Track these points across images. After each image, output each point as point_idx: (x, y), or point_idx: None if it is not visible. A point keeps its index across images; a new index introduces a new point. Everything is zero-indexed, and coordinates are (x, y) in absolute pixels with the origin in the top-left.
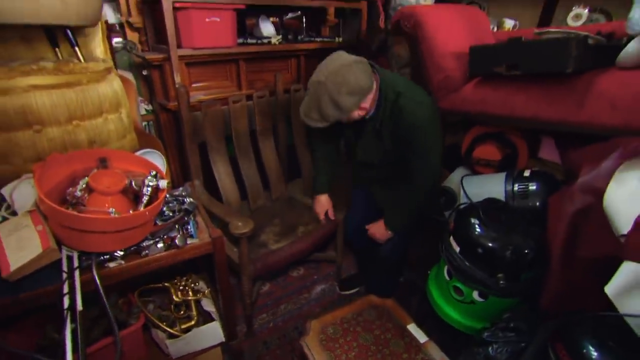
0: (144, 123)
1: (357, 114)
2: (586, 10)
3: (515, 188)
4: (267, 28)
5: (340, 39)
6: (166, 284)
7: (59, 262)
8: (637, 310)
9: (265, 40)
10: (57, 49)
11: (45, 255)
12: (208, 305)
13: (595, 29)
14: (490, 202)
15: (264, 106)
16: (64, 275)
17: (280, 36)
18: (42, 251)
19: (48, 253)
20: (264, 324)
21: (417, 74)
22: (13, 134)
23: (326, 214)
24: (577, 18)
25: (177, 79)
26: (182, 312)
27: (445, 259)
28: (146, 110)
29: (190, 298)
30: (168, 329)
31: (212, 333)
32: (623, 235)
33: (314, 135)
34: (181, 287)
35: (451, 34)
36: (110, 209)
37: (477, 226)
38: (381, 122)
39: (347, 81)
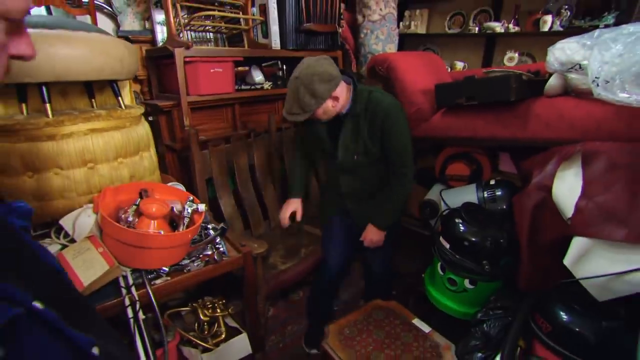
0: None
1: (331, 104)
2: (517, 54)
3: (485, 195)
4: (258, 75)
5: None
6: (194, 305)
7: (114, 281)
8: (587, 274)
9: (259, 86)
10: (93, 100)
11: (111, 272)
12: (232, 322)
13: (526, 68)
14: (469, 206)
15: (261, 143)
16: (124, 291)
17: (271, 82)
18: (109, 268)
19: (113, 270)
20: (274, 345)
21: None
22: (71, 171)
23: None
24: (511, 60)
25: (187, 122)
26: (206, 332)
27: (438, 256)
28: None
29: (218, 314)
30: (203, 344)
31: (241, 345)
32: (569, 218)
33: (297, 141)
34: (209, 306)
35: (418, 75)
36: (160, 231)
37: (460, 225)
38: (357, 115)
39: (318, 71)
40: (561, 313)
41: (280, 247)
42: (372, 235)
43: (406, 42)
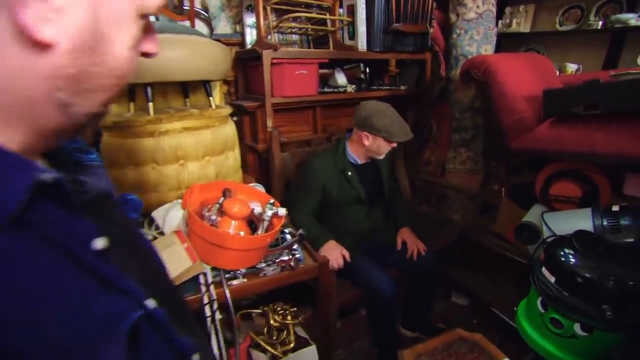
0: None
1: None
2: None
3: (605, 223)
4: (341, 78)
5: (405, 87)
6: (265, 309)
7: (195, 277)
8: None
9: (342, 89)
10: (187, 100)
11: (193, 268)
12: (301, 332)
13: None
14: (583, 234)
15: None
16: (203, 288)
17: (354, 85)
18: (191, 264)
19: (195, 266)
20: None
21: (485, 118)
22: (165, 167)
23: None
24: None
25: (269, 123)
26: (275, 338)
27: (538, 289)
28: None
29: (288, 322)
30: (271, 350)
31: (309, 357)
32: None
33: (301, 197)
34: (280, 312)
35: (521, 79)
36: (240, 232)
37: (571, 256)
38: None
39: None
40: None
41: None
42: (410, 235)
43: (505, 42)
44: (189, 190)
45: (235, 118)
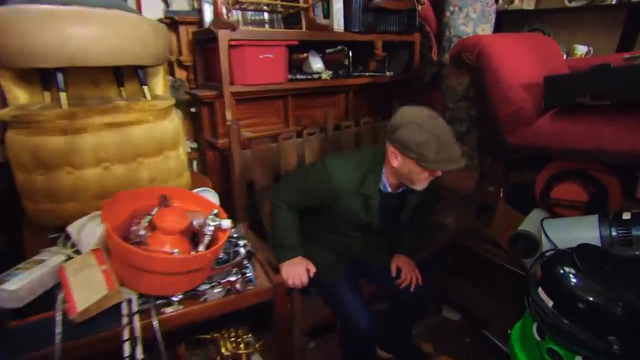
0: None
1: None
2: None
3: (614, 233)
4: (316, 63)
5: (391, 73)
6: (215, 335)
7: (117, 304)
8: None
9: (316, 76)
10: (121, 89)
11: (110, 296)
12: None
13: None
14: (587, 249)
15: (314, 143)
16: (124, 320)
17: (330, 71)
18: (108, 292)
19: (113, 294)
20: None
21: (479, 107)
22: (83, 171)
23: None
24: None
25: (228, 116)
26: None
27: (534, 313)
28: (191, 147)
29: (241, 352)
30: None
31: None
32: None
33: (290, 197)
34: (232, 339)
35: (520, 64)
36: (174, 250)
37: (572, 276)
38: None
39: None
40: None
41: None
42: (407, 263)
43: (506, 21)
44: (110, 200)
45: (193, 109)
